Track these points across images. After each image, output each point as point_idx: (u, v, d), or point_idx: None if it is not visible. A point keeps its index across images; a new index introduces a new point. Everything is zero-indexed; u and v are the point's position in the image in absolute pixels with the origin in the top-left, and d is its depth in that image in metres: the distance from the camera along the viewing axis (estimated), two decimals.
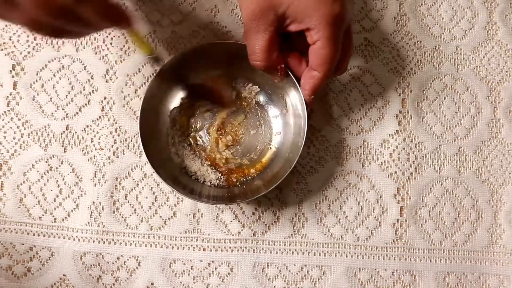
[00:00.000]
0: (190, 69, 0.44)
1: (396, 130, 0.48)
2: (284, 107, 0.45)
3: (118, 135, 0.46)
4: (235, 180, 0.45)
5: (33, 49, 0.48)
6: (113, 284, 0.44)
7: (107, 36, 0.48)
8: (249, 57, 0.40)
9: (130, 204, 0.46)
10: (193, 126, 0.47)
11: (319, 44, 0.37)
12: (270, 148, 0.46)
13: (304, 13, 0.36)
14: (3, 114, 0.47)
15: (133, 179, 0.46)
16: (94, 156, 0.46)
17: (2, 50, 0.48)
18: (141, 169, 0.46)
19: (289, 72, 0.41)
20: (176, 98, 0.46)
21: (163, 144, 0.45)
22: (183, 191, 0.40)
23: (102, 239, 0.45)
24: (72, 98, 0.47)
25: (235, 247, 0.45)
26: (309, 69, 0.39)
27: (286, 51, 0.41)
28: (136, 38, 0.41)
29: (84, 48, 0.48)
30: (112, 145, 0.46)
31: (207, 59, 0.44)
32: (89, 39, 0.48)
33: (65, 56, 0.47)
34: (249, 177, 0.45)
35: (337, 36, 0.37)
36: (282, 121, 0.46)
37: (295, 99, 0.43)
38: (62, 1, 0.30)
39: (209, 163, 0.46)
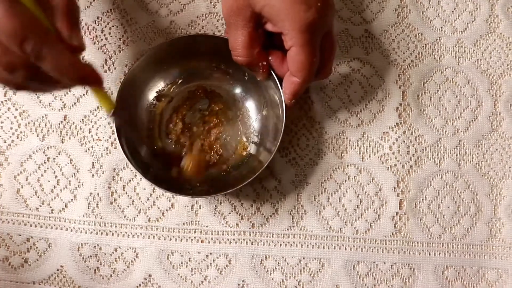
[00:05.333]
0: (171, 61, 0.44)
1: (396, 123, 0.47)
2: (264, 107, 0.45)
3: None
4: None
5: None
6: (111, 275, 0.44)
7: (105, 27, 0.48)
8: (231, 52, 0.40)
9: (128, 195, 0.45)
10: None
11: (294, 50, 0.37)
12: (247, 147, 0.46)
13: (278, 17, 0.36)
14: (0, 104, 0.46)
15: (131, 170, 0.45)
16: (92, 147, 0.46)
17: None
18: None
19: (272, 72, 0.40)
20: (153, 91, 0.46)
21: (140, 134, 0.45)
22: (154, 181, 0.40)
23: (99, 231, 0.45)
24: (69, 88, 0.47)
25: (233, 239, 0.45)
26: (289, 73, 0.39)
27: (270, 49, 0.40)
28: (99, 95, 0.37)
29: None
30: (110, 136, 0.46)
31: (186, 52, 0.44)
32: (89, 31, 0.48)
33: None
34: (225, 173, 0.45)
35: (311, 43, 0.37)
36: (261, 120, 0.45)
37: (275, 100, 0.42)
38: (18, 58, 0.28)
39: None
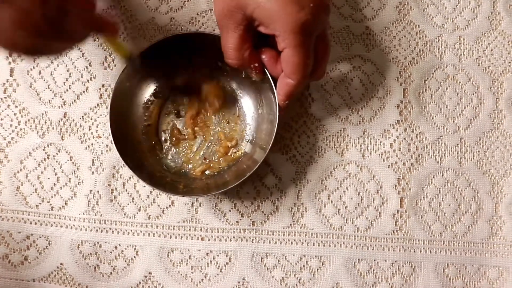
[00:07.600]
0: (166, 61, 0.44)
1: (397, 120, 0.47)
2: (260, 105, 0.45)
3: None
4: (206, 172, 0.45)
5: None
6: (111, 273, 0.44)
7: None
8: (224, 54, 0.40)
9: (128, 193, 0.45)
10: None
11: (287, 52, 0.36)
12: (242, 144, 0.45)
13: (270, 19, 0.36)
14: (0, 101, 0.46)
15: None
16: (92, 144, 0.46)
17: None
18: None
19: (266, 71, 0.40)
20: (149, 90, 0.46)
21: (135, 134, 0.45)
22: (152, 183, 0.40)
23: (99, 228, 0.45)
24: (70, 86, 0.47)
25: (234, 237, 0.45)
26: (283, 75, 0.39)
27: (263, 48, 0.40)
28: (114, 44, 0.40)
29: None
30: (110, 133, 0.46)
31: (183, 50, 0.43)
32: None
33: None
34: (218, 172, 0.45)
35: (305, 45, 0.36)
36: (256, 119, 0.45)
37: (269, 99, 0.42)
38: (44, 15, 0.29)
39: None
